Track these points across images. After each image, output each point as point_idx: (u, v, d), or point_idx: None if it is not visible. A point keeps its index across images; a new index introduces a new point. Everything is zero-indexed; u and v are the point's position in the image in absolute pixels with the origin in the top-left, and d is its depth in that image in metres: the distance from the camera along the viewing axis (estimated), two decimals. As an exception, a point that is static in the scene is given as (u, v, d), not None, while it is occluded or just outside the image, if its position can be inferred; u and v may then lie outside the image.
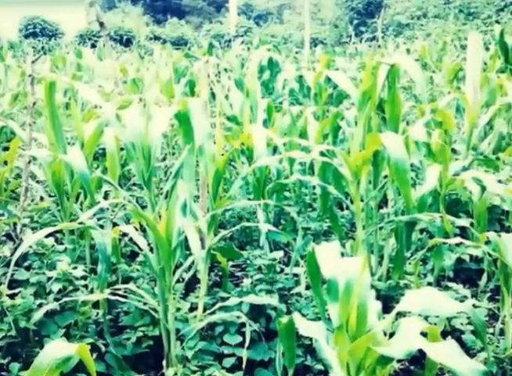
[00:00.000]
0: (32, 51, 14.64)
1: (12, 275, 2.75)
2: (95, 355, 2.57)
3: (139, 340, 2.89)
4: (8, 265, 2.77)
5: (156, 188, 4.56)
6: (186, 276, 2.98)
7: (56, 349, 1.78)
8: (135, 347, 2.88)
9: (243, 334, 2.80)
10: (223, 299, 3.06)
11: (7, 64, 8.61)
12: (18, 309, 2.61)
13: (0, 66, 8.66)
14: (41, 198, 4.01)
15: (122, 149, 3.82)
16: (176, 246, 2.73)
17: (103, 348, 2.75)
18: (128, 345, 2.88)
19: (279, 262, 3.49)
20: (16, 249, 2.95)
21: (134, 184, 4.66)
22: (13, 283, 2.81)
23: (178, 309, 2.96)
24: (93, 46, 16.79)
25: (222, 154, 3.50)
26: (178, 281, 2.92)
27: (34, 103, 3.44)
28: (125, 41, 23.00)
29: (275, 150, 4.32)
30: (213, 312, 2.87)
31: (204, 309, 3.00)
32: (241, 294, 3.02)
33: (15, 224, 3.36)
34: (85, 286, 2.97)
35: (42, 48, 19.03)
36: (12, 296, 2.67)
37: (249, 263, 3.33)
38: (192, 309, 3.08)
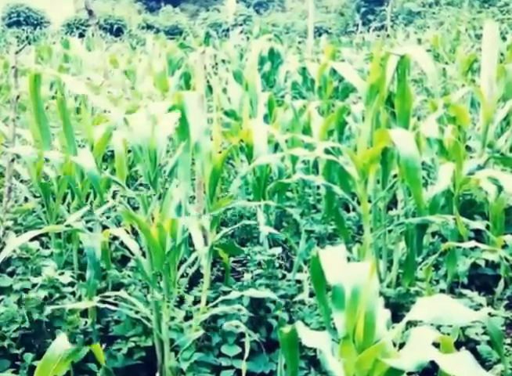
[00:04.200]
0: (16, 41, 14.66)
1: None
2: None
3: (131, 351, 2.91)
4: None
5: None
6: (190, 272, 3.03)
7: (67, 340, 1.98)
8: (126, 358, 2.90)
9: (241, 345, 2.81)
10: (225, 293, 3.17)
11: None
12: (1, 317, 2.64)
13: None
14: (26, 199, 4.01)
15: (129, 151, 3.91)
16: (180, 243, 2.77)
17: None
18: (118, 356, 2.89)
19: (280, 267, 3.63)
20: (-2, 254, 2.95)
21: (141, 184, 4.69)
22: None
23: (173, 318, 2.97)
24: (81, 36, 16.80)
25: (220, 152, 3.51)
26: (182, 276, 2.97)
27: (18, 97, 3.44)
28: (116, 30, 23.03)
29: (276, 147, 4.33)
30: (215, 305, 2.95)
31: (207, 304, 3.05)
32: (242, 288, 3.14)
33: (-3, 226, 3.36)
34: (73, 293, 2.98)
35: (27, 37, 19.05)
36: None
37: (249, 259, 3.45)
38: (188, 317, 3.10)
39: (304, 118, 4.94)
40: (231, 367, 2.84)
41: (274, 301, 3.08)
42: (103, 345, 2.71)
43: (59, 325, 2.81)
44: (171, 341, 2.82)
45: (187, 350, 2.80)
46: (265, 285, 3.23)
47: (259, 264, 3.45)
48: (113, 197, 3.98)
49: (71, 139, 3.56)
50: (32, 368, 2.43)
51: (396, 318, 2.32)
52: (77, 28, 21.95)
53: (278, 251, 3.50)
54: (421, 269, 3.56)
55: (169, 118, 3.08)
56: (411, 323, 2.13)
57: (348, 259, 2.14)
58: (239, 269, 3.91)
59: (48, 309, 2.74)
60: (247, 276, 3.35)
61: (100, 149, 3.71)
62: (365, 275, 1.89)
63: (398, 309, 3.23)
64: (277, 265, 3.57)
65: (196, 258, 3.04)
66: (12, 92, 3.42)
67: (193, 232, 2.83)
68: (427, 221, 3.30)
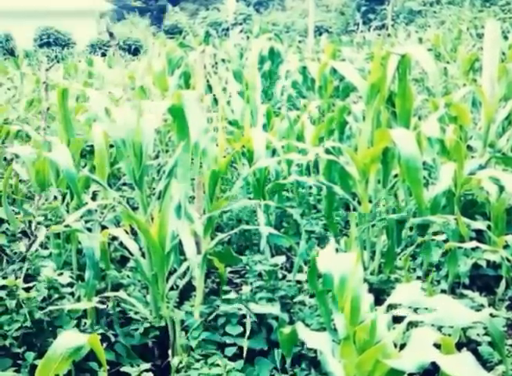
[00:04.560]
0: (46, 59, 15.28)
1: (28, 270, 2.92)
2: (105, 344, 2.72)
3: (146, 330, 3.05)
4: (23, 260, 2.99)
5: (149, 188, 4.56)
6: (181, 284, 3.00)
7: (69, 339, 1.95)
8: (142, 337, 3.04)
9: (243, 325, 2.90)
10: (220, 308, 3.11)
11: (23, 72, 9.47)
12: (33, 301, 2.74)
13: (16, 73, 9.68)
14: (55, 197, 4.10)
15: (112, 146, 3.84)
16: (170, 250, 2.73)
17: (113, 339, 2.92)
18: (135, 335, 3.03)
19: (281, 268, 3.52)
20: (30, 245, 3.16)
21: (124, 184, 4.67)
22: (29, 278, 2.94)
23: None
24: (103, 55, 17.22)
25: (224, 156, 3.63)
26: (171, 289, 2.93)
27: (48, 108, 3.73)
28: (133, 50, 24.04)
29: (274, 152, 4.49)
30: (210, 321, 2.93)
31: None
32: (240, 303, 3.05)
33: (30, 222, 3.54)
34: (72, 294, 2.99)
35: (56, 56, 19.96)
36: (27, 289, 2.80)
37: (248, 269, 3.34)
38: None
39: (298, 127, 5.19)
40: (234, 345, 2.93)
41: (277, 318, 3.00)
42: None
43: (61, 324, 2.83)
44: (182, 322, 2.90)
45: (196, 330, 2.90)
46: (266, 299, 3.11)
47: (260, 275, 3.32)
48: (93, 198, 3.95)
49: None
50: (33, 367, 2.45)
51: (378, 301, 2.34)
52: (100, 48, 23.21)
53: (281, 260, 3.35)
54: (400, 258, 3.62)
55: (156, 109, 2.88)
56: (412, 324, 2.14)
57: (337, 250, 2.23)
58: (237, 280, 3.73)
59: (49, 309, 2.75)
60: (246, 289, 3.19)
61: (78, 143, 3.65)
62: (352, 265, 1.97)
63: (380, 293, 3.27)
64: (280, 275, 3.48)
65: (188, 269, 2.95)
66: (43, 104, 3.70)
67: (184, 238, 2.75)
68: (428, 221, 3.31)
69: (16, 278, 2.85)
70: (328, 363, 1.89)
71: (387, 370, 1.76)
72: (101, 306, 2.80)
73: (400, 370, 1.76)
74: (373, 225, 3.66)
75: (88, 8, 29.25)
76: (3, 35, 23.73)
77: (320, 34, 17.46)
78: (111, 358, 2.84)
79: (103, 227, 3.35)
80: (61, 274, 2.94)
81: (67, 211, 3.57)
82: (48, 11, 27.33)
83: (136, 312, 2.87)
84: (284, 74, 7.58)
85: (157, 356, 3.08)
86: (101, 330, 2.88)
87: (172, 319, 2.86)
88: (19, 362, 2.66)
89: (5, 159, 4.38)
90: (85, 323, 2.95)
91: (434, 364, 1.70)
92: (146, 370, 2.71)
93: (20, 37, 23.77)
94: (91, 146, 3.87)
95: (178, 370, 2.73)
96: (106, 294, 2.93)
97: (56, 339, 1.96)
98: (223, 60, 8.99)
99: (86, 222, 3.33)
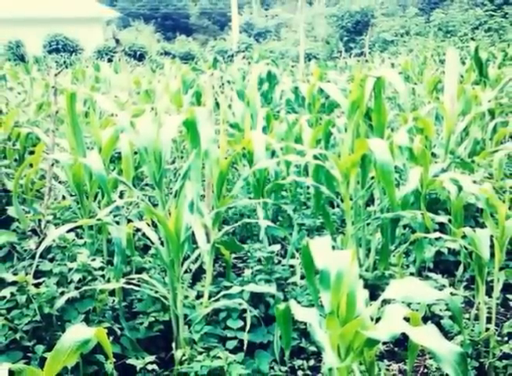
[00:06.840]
0: (55, 65, 14.69)
1: (37, 266, 2.75)
2: (111, 338, 2.58)
3: (151, 324, 2.90)
4: (33, 257, 2.79)
5: (167, 188, 4.55)
6: (193, 268, 2.98)
7: (77, 333, 1.79)
8: (147, 331, 2.89)
9: (244, 319, 2.80)
10: (226, 288, 3.07)
11: (32, 77, 8.80)
12: (42, 296, 2.60)
13: (26, 78, 8.96)
14: (63, 197, 4.01)
15: (136, 153, 3.82)
16: (184, 240, 2.73)
17: (119, 332, 2.76)
18: (141, 329, 2.89)
19: (277, 255, 3.52)
20: (40, 243, 2.95)
21: (146, 184, 4.66)
22: (38, 274, 2.79)
23: (186, 297, 2.96)
24: (110, 61, 16.78)
25: (226, 158, 3.51)
26: (186, 272, 2.91)
27: (57, 112, 3.45)
28: (138, 56, 23.06)
29: (273, 153, 4.33)
30: (217, 299, 2.87)
31: (209, 297, 3.01)
32: (243, 284, 3.03)
33: (39, 220, 3.36)
34: (103, 276, 2.97)
35: (64, 62, 19.11)
36: (37, 285, 2.67)
37: (250, 255, 3.34)
38: (199, 296, 3.09)
39: (297, 130, 4.94)
40: (235, 338, 2.83)
41: (273, 296, 2.93)
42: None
43: (69, 318, 2.64)
44: (185, 316, 2.81)
45: (198, 324, 2.79)
46: (264, 280, 3.09)
47: (259, 260, 3.30)
48: (121, 196, 3.85)
49: (80, 142, 3.43)
50: (43, 359, 2.22)
51: (373, 297, 2.32)
52: (106, 54, 22.00)
53: (277, 248, 3.33)
54: (394, 255, 3.56)
55: (173, 121, 2.88)
56: (386, 301, 2.13)
57: (333, 248, 2.14)
58: (240, 265, 3.77)
59: (58, 303, 2.55)
60: (248, 272, 3.20)
61: (108, 151, 3.57)
62: (347, 261, 1.89)
63: (374, 289, 3.23)
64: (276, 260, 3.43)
65: (199, 255, 2.94)
66: (52, 107, 3.42)
67: (196, 230, 2.74)
68: (399, 215, 3.31)
69: (26, 274, 2.67)
70: (316, 334, 1.89)
71: (365, 340, 1.76)
72: (127, 286, 2.77)
73: (376, 340, 1.76)
74: (368, 224, 3.60)
75: (95, 15, 27.34)
76: (14, 42, 22.16)
77: (309, 60, 17.44)
78: (117, 351, 2.66)
79: (129, 220, 3.35)
80: (94, 260, 2.91)
81: (99, 208, 3.56)
82: (57, 18, 25.56)
83: (156, 291, 2.85)
84: (279, 93, 7.56)
85: (161, 349, 2.90)
86: (107, 324, 2.67)
87: (176, 314, 2.76)
88: (30, 354, 2.46)
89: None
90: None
91: (404, 335, 1.70)
92: (151, 363, 2.56)
93: (30, 43, 22.17)
94: (119, 153, 3.85)
95: (181, 363, 2.61)
96: (131, 276, 2.92)
97: (65, 333, 1.79)
98: (228, 82, 8.97)
99: (115, 216, 3.33)
